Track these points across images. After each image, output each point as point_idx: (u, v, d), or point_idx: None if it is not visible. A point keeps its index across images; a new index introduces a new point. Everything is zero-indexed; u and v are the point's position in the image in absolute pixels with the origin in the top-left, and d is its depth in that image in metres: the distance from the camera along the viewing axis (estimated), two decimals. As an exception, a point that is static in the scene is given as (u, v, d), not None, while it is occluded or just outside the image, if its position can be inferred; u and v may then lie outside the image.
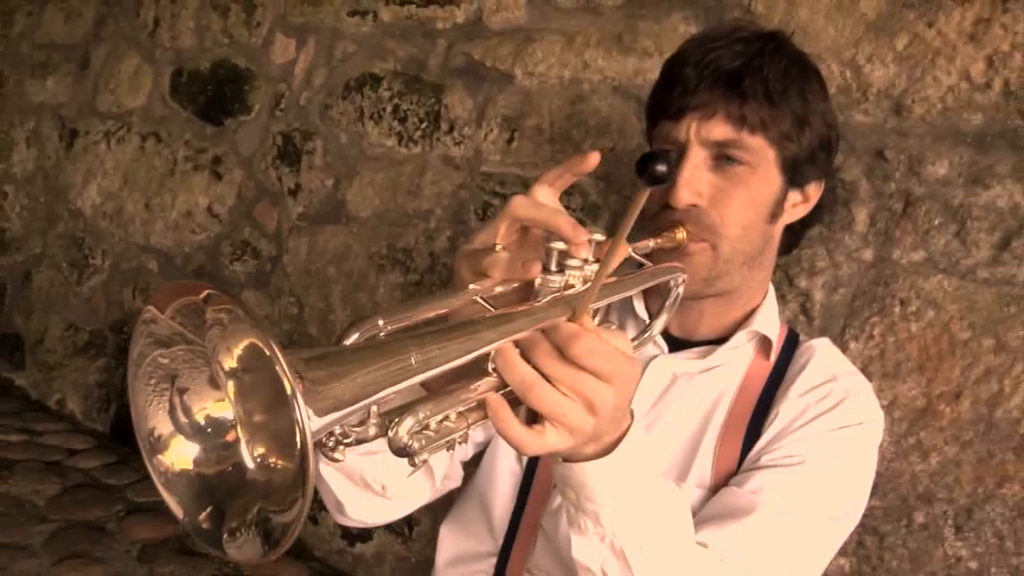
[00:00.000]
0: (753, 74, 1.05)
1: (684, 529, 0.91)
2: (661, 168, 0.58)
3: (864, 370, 1.51)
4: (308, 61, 2.61)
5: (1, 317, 3.87)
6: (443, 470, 1.12)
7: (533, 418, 0.75)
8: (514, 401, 0.75)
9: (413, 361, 0.63)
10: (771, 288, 1.24)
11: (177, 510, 0.58)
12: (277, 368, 0.48)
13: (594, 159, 0.81)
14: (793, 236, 1.24)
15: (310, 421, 0.50)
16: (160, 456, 0.57)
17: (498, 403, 0.74)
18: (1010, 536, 1.42)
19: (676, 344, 1.20)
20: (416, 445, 0.69)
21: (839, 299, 1.60)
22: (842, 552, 1.52)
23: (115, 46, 3.36)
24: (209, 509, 0.58)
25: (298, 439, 0.48)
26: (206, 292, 0.53)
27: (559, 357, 0.74)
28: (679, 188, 1.06)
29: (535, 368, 0.73)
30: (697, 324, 1.19)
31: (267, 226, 2.69)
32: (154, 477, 0.58)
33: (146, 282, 3.15)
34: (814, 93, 1.12)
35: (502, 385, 0.75)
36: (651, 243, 1.03)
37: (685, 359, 1.18)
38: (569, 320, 0.75)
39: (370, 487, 1.04)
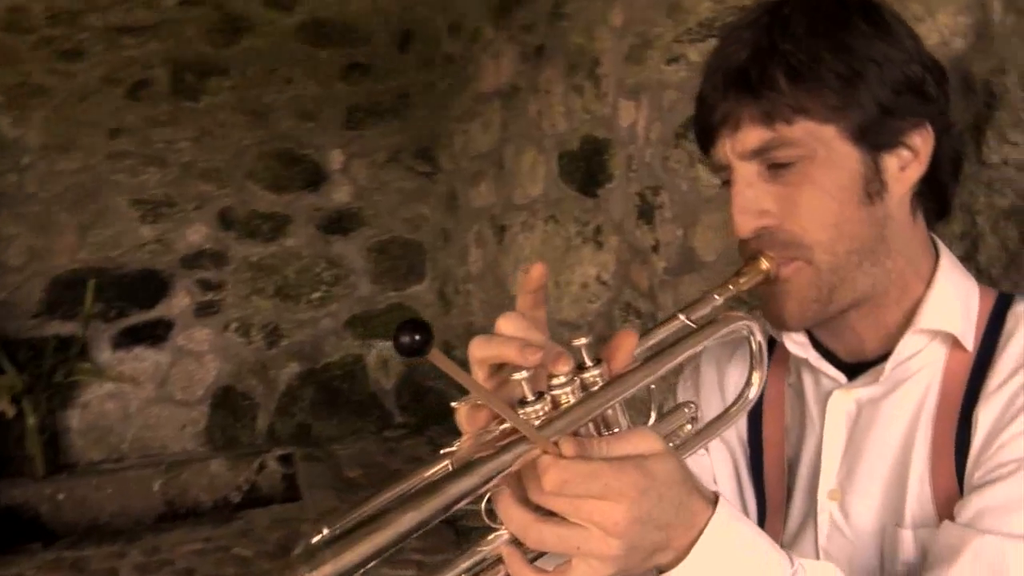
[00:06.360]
0: (765, 59, 0.87)
1: None
2: (404, 340, 0.55)
3: None
4: (645, 118, 2.63)
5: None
6: None
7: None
8: None
9: None
10: (941, 266, 0.95)
11: None
12: None
13: (536, 272, 0.76)
14: (934, 199, 0.96)
15: None
16: None
17: (510, 553, 0.72)
18: None
19: (854, 370, 0.98)
20: None
21: None
22: None
23: (517, 144, 3.74)
24: None
25: None
26: None
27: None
28: (735, 216, 0.92)
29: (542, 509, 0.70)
30: (860, 343, 0.97)
31: (641, 285, 2.74)
32: None
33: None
34: (861, 35, 0.87)
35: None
36: (731, 287, 0.90)
37: (863, 386, 0.96)
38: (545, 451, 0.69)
39: None
